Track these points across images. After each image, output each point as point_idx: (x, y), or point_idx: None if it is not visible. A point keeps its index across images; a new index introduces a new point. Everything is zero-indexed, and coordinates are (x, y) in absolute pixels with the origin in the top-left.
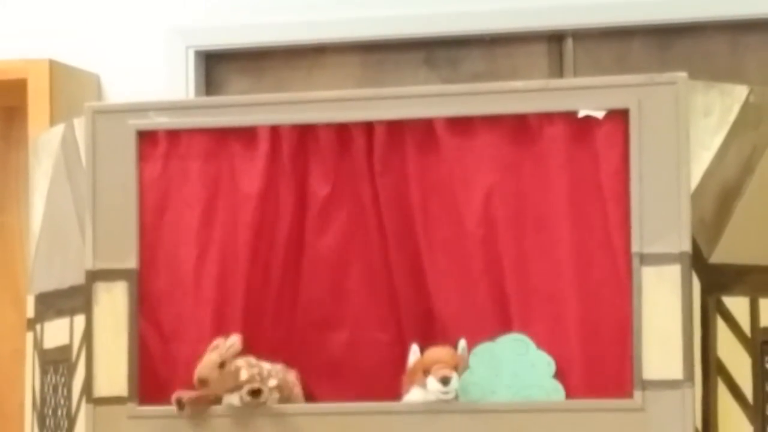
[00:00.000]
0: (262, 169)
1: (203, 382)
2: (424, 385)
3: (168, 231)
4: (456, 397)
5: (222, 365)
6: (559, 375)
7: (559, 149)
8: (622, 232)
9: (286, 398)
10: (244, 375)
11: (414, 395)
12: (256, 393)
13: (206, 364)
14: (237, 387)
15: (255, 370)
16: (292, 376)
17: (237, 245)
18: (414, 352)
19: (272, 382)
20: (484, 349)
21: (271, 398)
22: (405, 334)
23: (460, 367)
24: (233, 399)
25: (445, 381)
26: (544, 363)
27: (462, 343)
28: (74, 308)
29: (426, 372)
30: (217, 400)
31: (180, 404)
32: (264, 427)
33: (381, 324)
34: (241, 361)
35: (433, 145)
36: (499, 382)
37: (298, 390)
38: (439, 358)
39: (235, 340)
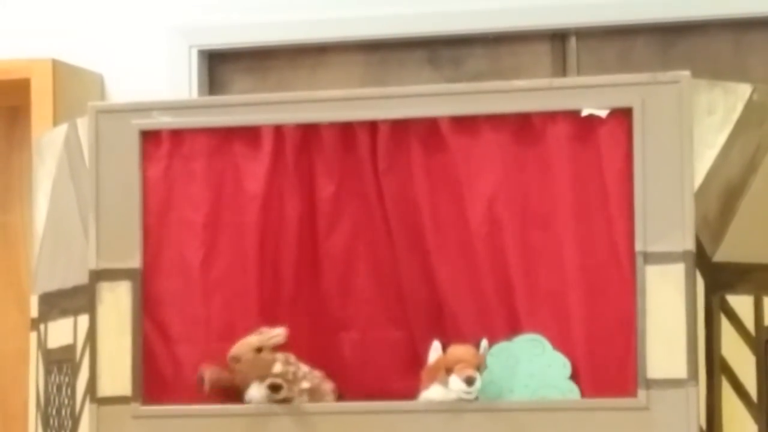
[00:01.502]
0: (266, 169)
1: (235, 359)
2: (446, 383)
3: (171, 231)
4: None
5: (259, 350)
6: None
7: (563, 148)
8: (626, 231)
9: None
10: (277, 368)
11: (434, 392)
12: (275, 388)
13: (243, 344)
14: (266, 377)
15: (291, 368)
16: (328, 387)
17: (241, 245)
18: (435, 349)
19: (305, 384)
20: (501, 348)
21: (300, 399)
22: (413, 331)
23: (481, 367)
24: (255, 391)
25: (470, 381)
26: (560, 364)
27: (484, 343)
28: (78, 308)
29: (449, 370)
30: (236, 391)
31: (200, 380)
32: (278, 426)
33: (389, 322)
34: (280, 355)
35: (437, 144)
36: (516, 381)
37: (329, 399)
38: (462, 357)
39: (280, 332)
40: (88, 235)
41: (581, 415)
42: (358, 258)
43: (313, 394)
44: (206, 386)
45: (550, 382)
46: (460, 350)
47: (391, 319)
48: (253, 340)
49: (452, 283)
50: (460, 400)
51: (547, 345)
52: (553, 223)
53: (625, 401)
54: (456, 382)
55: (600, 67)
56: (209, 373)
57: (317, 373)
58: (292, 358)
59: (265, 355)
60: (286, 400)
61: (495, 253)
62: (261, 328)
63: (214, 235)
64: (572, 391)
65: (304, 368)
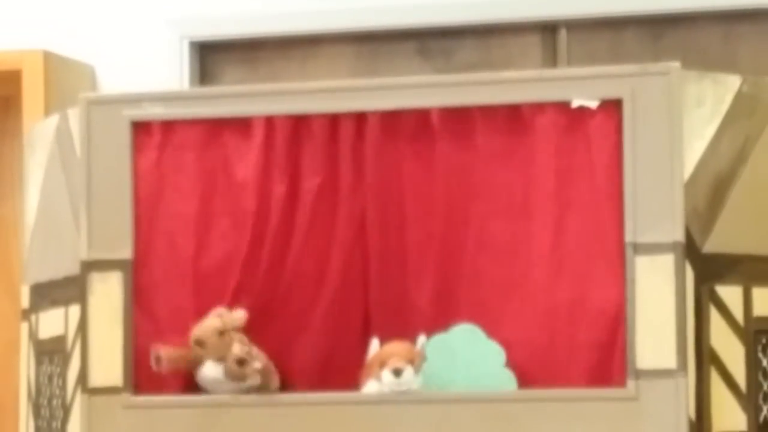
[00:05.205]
0: (257, 159)
1: (200, 344)
2: (379, 378)
3: (162, 221)
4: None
5: (222, 333)
6: (553, 364)
7: (553, 139)
8: (616, 222)
9: (266, 385)
10: (236, 349)
11: (370, 388)
12: (241, 362)
13: (207, 328)
14: (225, 358)
15: (246, 349)
16: (272, 367)
17: (231, 235)
18: (374, 346)
19: (257, 365)
20: (437, 340)
21: (252, 379)
22: (382, 326)
23: (416, 362)
24: (212, 369)
25: (397, 373)
26: (495, 352)
27: (422, 339)
28: (69, 298)
29: (382, 365)
30: (193, 366)
31: (158, 360)
32: (267, 416)
33: (362, 315)
34: (235, 335)
35: (426, 135)
36: (455, 372)
37: (276, 379)
38: (394, 352)
39: (241, 315)
40: (80, 225)
41: (569, 405)
42: (345, 248)
43: (265, 373)
44: (164, 365)
45: (486, 371)
46: (393, 346)
47: (365, 311)
48: (215, 322)
49: (437, 275)
50: (392, 392)
51: (481, 334)
52: (543, 214)
53: (615, 391)
54: (387, 375)
55: (590, 58)
56: (165, 352)
57: (263, 355)
58: (245, 339)
59: (226, 337)
60: (240, 379)
61: (483, 244)
62: (218, 309)
63: (204, 226)
64: (508, 380)
65: (254, 349)
